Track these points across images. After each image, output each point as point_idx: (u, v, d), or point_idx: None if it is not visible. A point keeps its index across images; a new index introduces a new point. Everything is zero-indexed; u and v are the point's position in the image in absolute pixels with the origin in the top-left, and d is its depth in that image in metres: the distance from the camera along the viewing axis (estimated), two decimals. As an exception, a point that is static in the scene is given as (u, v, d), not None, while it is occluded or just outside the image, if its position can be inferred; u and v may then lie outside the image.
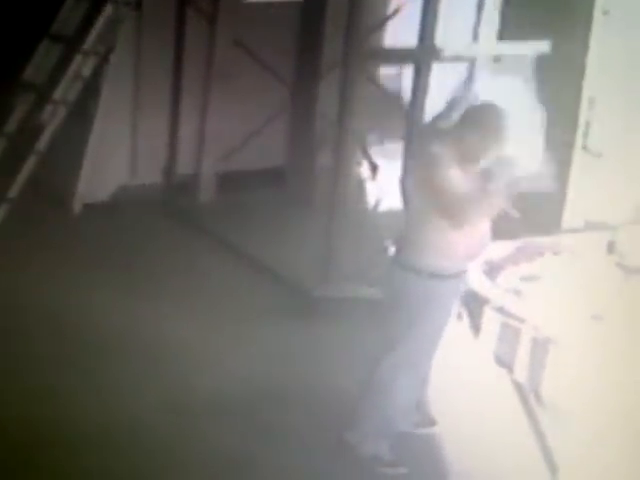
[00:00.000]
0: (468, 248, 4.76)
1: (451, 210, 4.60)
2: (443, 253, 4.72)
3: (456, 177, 4.63)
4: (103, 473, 4.79)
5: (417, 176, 4.84)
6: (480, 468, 5.09)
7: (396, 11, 7.63)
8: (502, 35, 7.53)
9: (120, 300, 6.30)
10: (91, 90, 7.16)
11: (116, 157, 7.61)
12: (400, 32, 7.57)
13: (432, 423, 5.35)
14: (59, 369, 5.58)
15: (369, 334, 5.93)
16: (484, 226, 4.78)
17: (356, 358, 5.83)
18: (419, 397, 5.23)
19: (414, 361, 4.96)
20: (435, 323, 4.90)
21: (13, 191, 6.78)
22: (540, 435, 5.36)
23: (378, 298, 6.13)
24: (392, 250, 4.99)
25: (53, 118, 6.92)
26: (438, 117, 4.93)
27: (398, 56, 7.37)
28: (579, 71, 6.87)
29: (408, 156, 7.15)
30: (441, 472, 5.10)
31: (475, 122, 4.69)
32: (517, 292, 6.06)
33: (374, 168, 7.64)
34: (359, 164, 7.51)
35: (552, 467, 5.11)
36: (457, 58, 7.37)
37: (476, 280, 6.08)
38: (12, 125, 6.84)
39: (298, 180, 8.04)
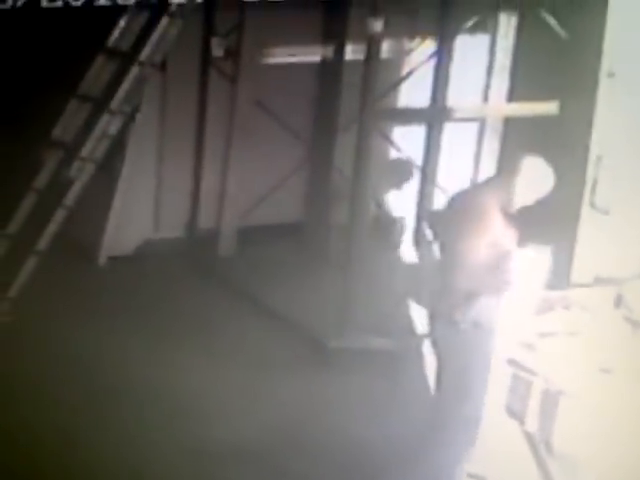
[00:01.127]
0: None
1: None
2: (481, 302, 4.80)
3: (496, 224, 4.76)
4: None
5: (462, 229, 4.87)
6: None
7: (410, 73, 7.78)
8: (511, 96, 7.68)
9: (141, 349, 6.40)
10: (117, 147, 7.25)
11: (140, 212, 7.70)
12: (413, 93, 7.74)
13: None
14: (78, 414, 5.66)
15: (382, 384, 6.15)
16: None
17: (371, 409, 5.94)
18: None
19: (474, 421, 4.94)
20: (481, 379, 4.93)
21: (42, 244, 6.82)
22: None
23: (393, 349, 6.41)
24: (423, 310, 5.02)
25: (81, 174, 6.95)
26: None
27: (411, 116, 7.49)
28: (586, 130, 6.94)
29: (421, 211, 7.27)
30: None
31: (515, 173, 4.86)
32: (529, 345, 6.07)
33: (389, 222, 7.79)
34: (374, 219, 7.58)
35: None
36: (468, 118, 7.52)
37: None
38: (42, 181, 6.91)
39: (315, 234, 8.09)
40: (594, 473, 5.39)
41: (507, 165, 5.12)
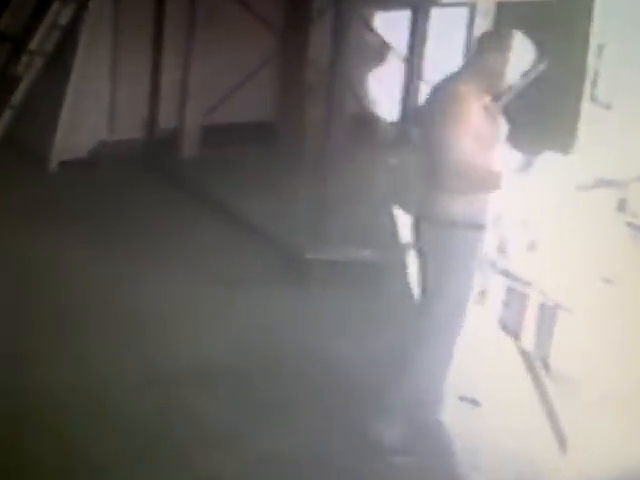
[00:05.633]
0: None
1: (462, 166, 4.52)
2: (465, 201, 4.60)
3: (478, 112, 4.54)
4: (83, 442, 4.58)
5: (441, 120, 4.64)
6: (486, 439, 4.94)
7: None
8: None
9: (99, 260, 6.19)
10: (69, 41, 7.06)
11: (95, 111, 7.54)
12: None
13: None
14: (34, 333, 5.42)
15: (362, 298, 5.96)
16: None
17: (348, 322, 5.77)
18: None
19: (446, 321, 4.77)
20: (461, 281, 4.72)
21: None
22: (548, 404, 5.20)
23: (372, 260, 6.26)
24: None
25: (29, 70, 6.87)
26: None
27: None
28: (587, 19, 6.72)
29: (407, 106, 6.96)
30: (446, 446, 4.88)
31: (493, 44, 4.65)
32: (522, 253, 5.76)
33: (369, 119, 7.45)
34: (353, 116, 7.28)
35: (560, 436, 4.95)
36: (457, 3, 7.19)
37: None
38: None
39: (288, 133, 7.94)
40: (595, 394, 5.15)
41: (480, 45, 4.85)
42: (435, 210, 4.71)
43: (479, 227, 4.74)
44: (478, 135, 4.56)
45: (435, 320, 4.79)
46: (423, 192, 4.78)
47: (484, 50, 4.71)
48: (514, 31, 4.66)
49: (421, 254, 4.88)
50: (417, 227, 4.87)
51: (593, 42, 6.77)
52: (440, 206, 4.69)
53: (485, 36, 4.95)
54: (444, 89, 4.73)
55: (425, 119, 4.83)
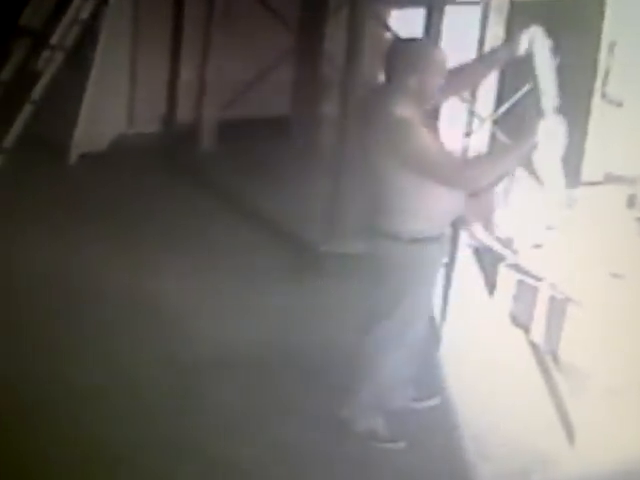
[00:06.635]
0: (447, 208, 4.54)
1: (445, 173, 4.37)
2: (422, 216, 4.48)
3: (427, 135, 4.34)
4: (102, 431, 4.65)
5: (389, 148, 4.39)
6: (495, 431, 4.97)
7: (407, -50, 7.44)
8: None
9: (118, 253, 6.18)
10: (89, 36, 7.05)
11: (114, 105, 7.51)
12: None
13: (431, 396, 5.14)
14: (56, 324, 5.44)
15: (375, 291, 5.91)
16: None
17: (362, 315, 5.53)
18: (413, 372, 5.00)
19: (400, 334, 4.71)
20: (420, 292, 4.66)
21: (9, 141, 6.68)
22: (557, 397, 5.24)
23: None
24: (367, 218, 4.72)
25: (50, 64, 6.82)
26: None
27: (409, -3, 7.24)
28: (599, 15, 6.57)
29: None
30: (453, 437, 4.94)
31: (410, 66, 4.38)
32: (532, 249, 5.87)
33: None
34: None
35: (569, 429, 4.99)
36: (471, 1, 7.15)
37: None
38: (8, 72, 6.75)
39: (303, 128, 7.90)
40: (603, 386, 5.20)
41: (398, 65, 4.45)
42: (393, 227, 4.54)
43: (440, 239, 4.61)
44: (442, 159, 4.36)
45: (390, 328, 4.68)
46: (377, 210, 4.60)
47: (403, 72, 4.38)
48: (429, 45, 4.54)
49: (378, 266, 4.73)
50: (374, 241, 4.68)
51: (605, 40, 6.60)
52: (398, 224, 4.52)
53: (400, 56, 4.45)
54: (381, 118, 4.38)
55: (368, 147, 4.52)
